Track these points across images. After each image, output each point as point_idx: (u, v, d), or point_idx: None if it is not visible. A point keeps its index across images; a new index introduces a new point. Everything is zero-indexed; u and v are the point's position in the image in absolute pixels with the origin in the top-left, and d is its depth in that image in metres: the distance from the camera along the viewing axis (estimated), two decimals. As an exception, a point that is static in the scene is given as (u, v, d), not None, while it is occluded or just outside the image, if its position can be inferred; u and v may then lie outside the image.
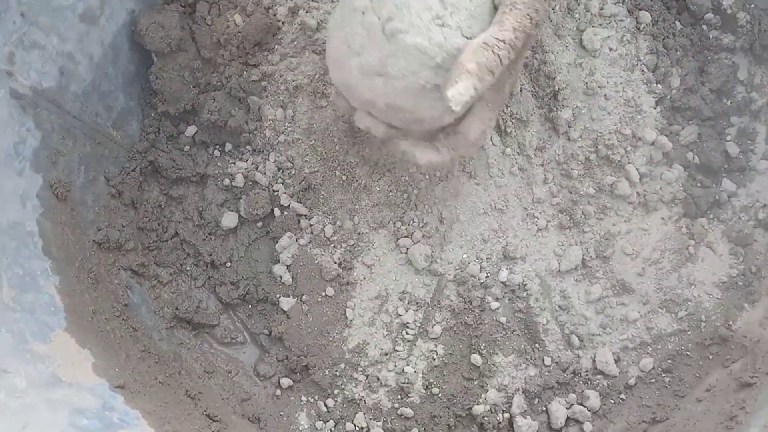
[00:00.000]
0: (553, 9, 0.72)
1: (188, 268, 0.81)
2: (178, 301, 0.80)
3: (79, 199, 0.73)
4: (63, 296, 0.66)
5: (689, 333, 0.76)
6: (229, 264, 0.81)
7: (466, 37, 0.58)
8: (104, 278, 0.74)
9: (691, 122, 0.79)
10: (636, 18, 0.78)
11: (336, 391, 0.78)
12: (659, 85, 0.78)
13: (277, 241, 0.80)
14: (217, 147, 0.83)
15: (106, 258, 0.75)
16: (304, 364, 0.79)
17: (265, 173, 0.80)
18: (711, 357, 0.75)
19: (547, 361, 0.77)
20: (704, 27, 0.80)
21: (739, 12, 0.78)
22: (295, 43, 0.79)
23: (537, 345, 0.78)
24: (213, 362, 0.80)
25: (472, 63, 0.54)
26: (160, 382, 0.71)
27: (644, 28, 0.78)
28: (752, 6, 0.78)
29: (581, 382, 0.77)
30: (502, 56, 0.54)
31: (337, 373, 0.78)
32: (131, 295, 0.77)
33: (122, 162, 0.79)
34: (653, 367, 0.76)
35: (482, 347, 0.77)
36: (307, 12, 0.78)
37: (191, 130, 0.82)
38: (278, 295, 0.80)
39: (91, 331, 0.68)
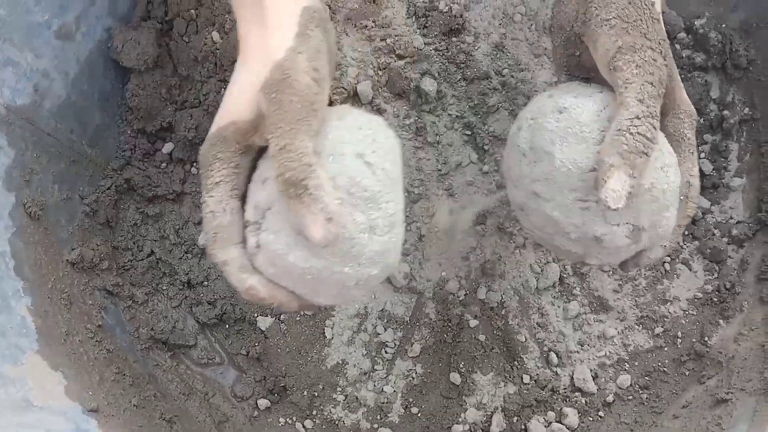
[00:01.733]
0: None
1: (164, 287, 0.80)
2: (154, 321, 0.78)
3: (53, 218, 0.71)
4: (35, 318, 0.65)
5: (666, 349, 0.77)
6: (206, 283, 0.80)
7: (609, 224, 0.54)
8: (78, 299, 0.73)
9: (665, 140, 0.80)
10: (610, 38, 0.79)
11: (315, 412, 0.77)
12: (634, 104, 0.79)
13: (254, 259, 0.79)
14: (195, 164, 0.82)
15: (80, 278, 0.74)
16: (282, 384, 0.78)
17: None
18: (687, 373, 0.76)
19: (526, 378, 0.77)
20: (677, 46, 0.81)
21: (710, 32, 0.80)
22: (273, 60, 0.79)
23: (516, 363, 0.78)
24: (189, 384, 0.79)
25: (613, 156, 0.49)
26: (135, 405, 0.69)
27: (619, 47, 0.79)
28: (723, 26, 0.80)
29: (560, 400, 0.77)
30: (643, 132, 0.50)
31: (316, 394, 0.77)
32: (106, 316, 0.76)
33: (97, 180, 0.78)
34: (630, 384, 0.76)
35: (461, 365, 0.77)
36: (285, 30, 0.78)
37: (168, 147, 0.81)
38: (256, 315, 0.79)
39: (64, 354, 0.66)
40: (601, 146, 0.51)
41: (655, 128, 0.50)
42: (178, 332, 0.79)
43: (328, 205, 0.48)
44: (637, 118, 0.50)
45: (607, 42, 0.54)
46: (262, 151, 0.55)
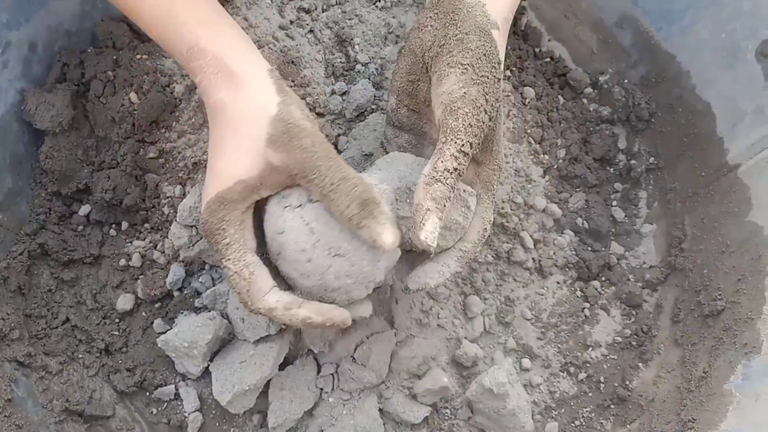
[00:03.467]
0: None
1: (80, 355, 0.77)
2: (69, 392, 0.75)
3: (-42, 287, 0.68)
4: (-63, 394, 0.61)
5: (590, 395, 0.78)
6: (124, 349, 0.77)
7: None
8: (-15, 372, 0.69)
9: (578, 189, 0.83)
10: (521, 93, 0.83)
11: (240, 480, 0.75)
12: (546, 156, 0.82)
13: (175, 322, 0.77)
14: (113, 226, 0.80)
15: (-13, 349, 0.70)
16: (206, 452, 0.75)
17: (163, 251, 0.78)
18: (611, 418, 0.77)
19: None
20: (585, 101, 0.85)
21: (614, 87, 0.84)
22: (193, 120, 0.78)
23: (448, 418, 0.77)
24: (107, 457, 0.75)
25: (429, 201, 0.55)
26: (46, 485, 0.65)
27: (529, 102, 0.83)
28: (626, 81, 0.85)
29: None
30: (449, 183, 0.56)
31: (241, 461, 0.75)
32: (16, 389, 0.72)
33: (8, 245, 0.75)
34: (558, 432, 0.77)
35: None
36: (204, 90, 0.79)
37: (85, 209, 0.79)
38: (178, 380, 0.76)
39: (-33, 432, 0.62)
40: (416, 189, 0.56)
41: (456, 183, 0.56)
42: (95, 402, 0.75)
43: (389, 213, 0.56)
44: (448, 171, 0.55)
45: (455, 85, 0.57)
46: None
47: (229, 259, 0.59)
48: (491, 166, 0.62)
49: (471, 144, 0.56)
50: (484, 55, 0.58)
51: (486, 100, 0.57)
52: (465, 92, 0.57)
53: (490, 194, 0.63)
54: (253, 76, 0.59)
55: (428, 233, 0.54)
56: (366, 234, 0.56)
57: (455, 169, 0.55)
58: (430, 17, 0.62)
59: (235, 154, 0.58)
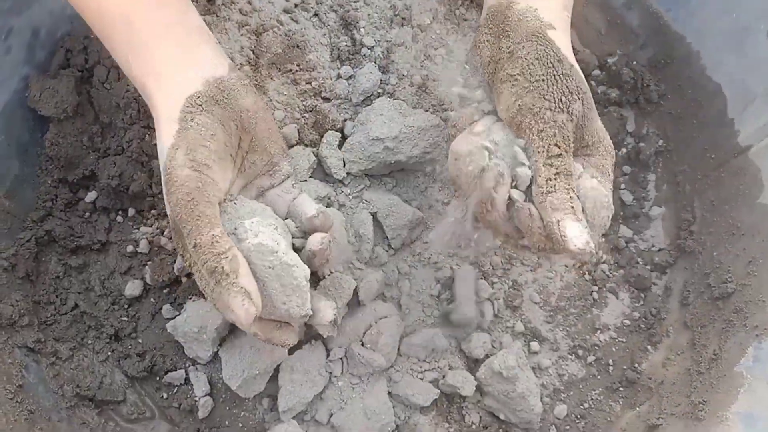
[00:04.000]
0: None
1: (90, 341, 0.77)
2: (80, 377, 0.75)
3: (-33, 275, 0.68)
4: (-53, 382, 0.61)
5: (598, 377, 0.78)
6: (134, 335, 0.78)
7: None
8: (-4, 358, 0.70)
9: (586, 173, 0.83)
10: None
11: (250, 464, 0.75)
12: (555, 139, 0.81)
13: (184, 308, 0.77)
14: (120, 212, 0.80)
15: (-2, 336, 0.71)
16: (217, 436, 0.75)
17: (170, 237, 0.78)
18: (620, 400, 0.77)
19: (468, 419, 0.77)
20: (593, 83, 0.85)
21: (623, 69, 0.83)
22: (198, 105, 0.78)
23: (456, 401, 0.77)
24: (119, 441, 0.75)
25: (552, 214, 0.54)
26: (59, 468, 0.66)
27: (537, 85, 0.82)
28: (634, 63, 0.84)
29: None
30: (560, 188, 0.55)
31: (252, 444, 0.75)
32: (27, 375, 0.72)
33: (16, 233, 0.75)
34: (567, 414, 0.77)
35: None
36: (209, 75, 0.78)
37: (91, 195, 0.79)
38: (188, 365, 0.77)
39: (-20, 418, 0.63)
40: (532, 217, 0.55)
41: (569, 183, 0.54)
42: (105, 387, 0.76)
43: (245, 285, 0.54)
44: (549, 180, 0.54)
45: (509, 99, 0.57)
46: None
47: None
48: (600, 152, 0.59)
49: (557, 145, 0.55)
50: (537, 59, 0.56)
51: (545, 99, 0.55)
52: (520, 104, 0.56)
53: (608, 178, 0.60)
54: (165, 111, 0.58)
55: (574, 239, 0.53)
56: (218, 305, 0.55)
57: (557, 174, 0.54)
58: (485, 32, 0.61)
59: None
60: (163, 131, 0.58)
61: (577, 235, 0.53)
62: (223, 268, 0.53)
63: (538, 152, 0.55)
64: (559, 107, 0.55)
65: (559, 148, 0.55)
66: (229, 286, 0.53)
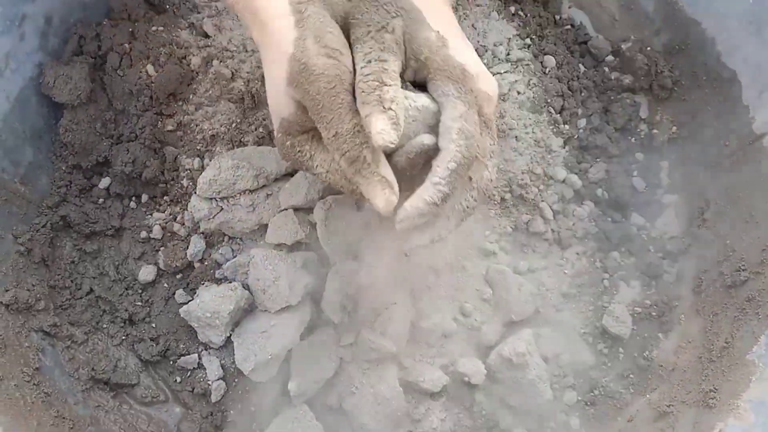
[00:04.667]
0: None
1: (104, 325, 0.78)
2: (95, 361, 0.76)
3: (-17, 259, 0.70)
4: (-34, 364, 0.63)
5: (609, 364, 0.78)
6: (148, 319, 0.79)
7: None
8: (13, 342, 0.71)
9: (598, 160, 0.82)
10: (541, 62, 0.81)
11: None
12: (566, 126, 0.81)
13: (196, 293, 0.78)
14: (133, 198, 0.81)
15: (14, 320, 0.72)
16: (230, 420, 0.76)
17: (183, 223, 0.79)
18: (631, 388, 0.77)
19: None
20: (606, 69, 0.84)
21: (636, 54, 0.83)
22: (210, 92, 0.78)
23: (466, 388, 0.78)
24: (133, 424, 0.76)
25: (364, 107, 0.53)
26: (75, 450, 0.67)
27: (549, 71, 0.81)
28: (648, 49, 0.83)
29: (510, 420, 0.77)
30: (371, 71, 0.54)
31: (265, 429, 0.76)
32: (43, 358, 0.74)
33: (31, 218, 0.76)
34: (577, 401, 0.77)
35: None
36: (221, 62, 0.78)
37: (105, 182, 0.80)
38: (200, 349, 0.78)
39: (-1, 400, 0.64)
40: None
41: (382, 77, 0.53)
42: (120, 371, 0.77)
43: (386, 175, 0.53)
44: (364, 76, 0.53)
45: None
46: None
47: (317, 167, 0.59)
48: (439, 74, 0.56)
49: (371, 49, 0.54)
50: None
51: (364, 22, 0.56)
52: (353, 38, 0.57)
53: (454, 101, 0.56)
54: (273, 10, 0.57)
55: (379, 134, 0.50)
56: (360, 192, 0.55)
57: (370, 70, 0.53)
58: None
59: (272, 94, 0.59)
60: (277, 29, 0.56)
61: (382, 128, 0.50)
62: (365, 157, 0.53)
63: (359, 57, 0.54)
64: (377, 28, 0.55)
65: (373, 51, 0.54)
66: (369, 175, 0.53)
